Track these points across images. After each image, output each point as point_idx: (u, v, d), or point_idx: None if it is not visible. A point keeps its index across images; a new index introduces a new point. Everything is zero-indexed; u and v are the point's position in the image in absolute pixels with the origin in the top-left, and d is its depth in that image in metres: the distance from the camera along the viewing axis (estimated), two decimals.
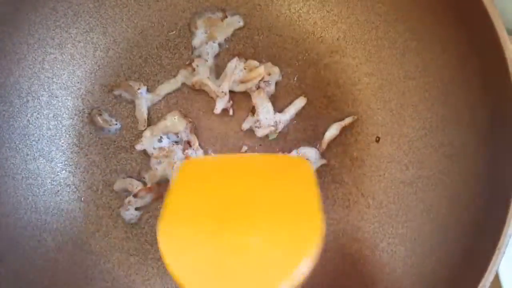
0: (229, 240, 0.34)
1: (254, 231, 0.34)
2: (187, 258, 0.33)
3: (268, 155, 0.43)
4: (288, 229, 0.34)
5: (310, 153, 0.45)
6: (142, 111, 0.45)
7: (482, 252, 0.36)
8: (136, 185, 0.45)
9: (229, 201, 0.36)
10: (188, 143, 0.45)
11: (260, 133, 0.45)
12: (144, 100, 0.45)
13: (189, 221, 0.35)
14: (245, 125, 0.45)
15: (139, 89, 0.45)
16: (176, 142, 0.45)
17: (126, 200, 0.45)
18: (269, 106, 0.45)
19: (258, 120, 0.45)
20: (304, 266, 0.31)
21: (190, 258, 0.33)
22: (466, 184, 0.40)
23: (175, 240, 0.34)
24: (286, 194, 0.37)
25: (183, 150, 0.44)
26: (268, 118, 0.45)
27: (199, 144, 0.45)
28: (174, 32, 0.46)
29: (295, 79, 0.46)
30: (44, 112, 0.45)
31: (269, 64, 0.46)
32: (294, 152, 0.45)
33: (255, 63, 0.45)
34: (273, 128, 0.45)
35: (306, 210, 0.35)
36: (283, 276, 0.31)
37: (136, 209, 0.45)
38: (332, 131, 0.45)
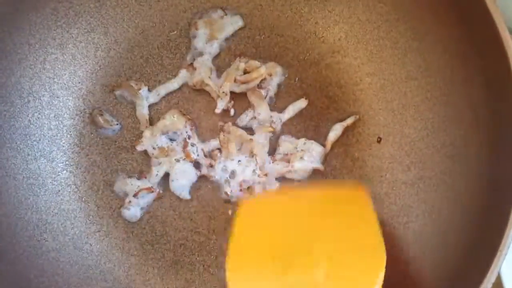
0: (294, 277, 0.34)
1: (318, 267, 0.34)
2: None
3: (324, 187, 0.43)
4: (353, 264, 0.34)
5: (316, 149, 0.45)
6: (143, 111, 0.45)
7: (483, 253, 0.36)
8: (136, 185, 0.45)
9: (290, 238, 0.37)
10: (187, 140, 0.45)
11: (258, 131, 0.45)
12: (145, 100, 0.45)
13: (255, 259, 0.36)
14: (240, 122, 0.45)
15: (140, 89, 0.45)
16: (175, 140, 0.45)
17: (127, 200, 0.45)
18: (265, 105, 0.45)
19: (254, 118, 0.45)
20: None
21: None
22: (468, 185, 0.40)
23: (242, 278, 0.35)
24: (346, 227, 0.37)
25: (183, 148, 0.44)
26: (264, 117, 0.45)
27: (199, 140, 0.45)
28: (175, 32, 0.46)
29: (296, 79, 0.46)
30: (45, 112, 0.45)
31: (272, 63, 0.46)
32: (301, 141, 0.45)
33: (257, 63, 0.45)
34: (270, 129, 0.45)
35: (368, 243, 0.35)
36: None
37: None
38: (335, 132, 0.45)
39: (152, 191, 0.45)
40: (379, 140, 0.45)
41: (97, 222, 0.45)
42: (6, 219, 0.42)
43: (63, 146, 0.46)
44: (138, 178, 0.45)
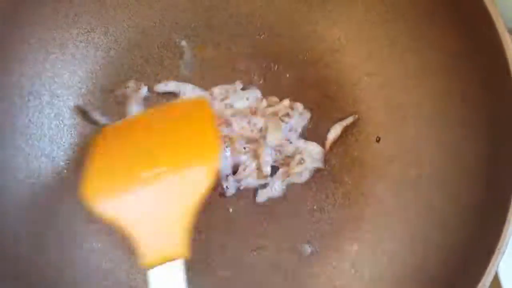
0: (142, 174, 0.38)
1: (161, 160, 0.39)
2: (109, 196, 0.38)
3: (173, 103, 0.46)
4: (189, 149, 0.39)
5: (315, 150, 0.45)
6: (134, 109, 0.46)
7: (481, 252, 0.36)
8: None
9: (138, 146, 0.41)
10: None
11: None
12: (142, 99, 0.45)
13: (106, 172, 0.40)
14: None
15: (139, 88, 0.45)
16: None
17: None
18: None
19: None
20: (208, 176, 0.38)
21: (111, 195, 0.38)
22: (467, 184, 0.40)
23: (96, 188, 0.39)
24: (186, 125, 0.42)
25: None
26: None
27: None
28: (175, 32, 0.46)
29: (296, 79, 0.46)
30: (46, 112, 0.45)
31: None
32: (301, 141, 0.45)
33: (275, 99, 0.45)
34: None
35: (204, 133, 0.40)
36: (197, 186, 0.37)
37: None
38: (335, 132, 0.45)
39: None
40: (378, 140, 0.45)
41: (98, 221, 0.45)
42: (7, 218, 0.42)
43: (64, 145, 0.46)
44: None
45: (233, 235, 0.46)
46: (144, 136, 0.42)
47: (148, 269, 0.36)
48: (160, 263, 0.36)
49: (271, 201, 0.46)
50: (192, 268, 0.45)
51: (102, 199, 0.38)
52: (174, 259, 0.36)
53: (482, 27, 0.37)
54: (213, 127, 0.41)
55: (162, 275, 0.35)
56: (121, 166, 0.40)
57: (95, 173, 0.40)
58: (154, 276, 0.35)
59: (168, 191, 0.37)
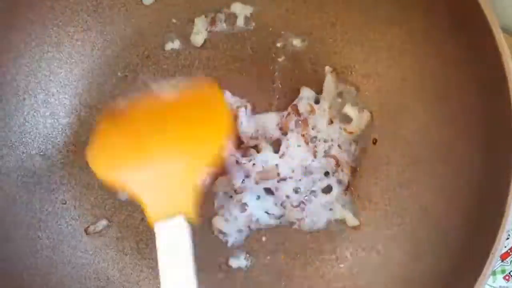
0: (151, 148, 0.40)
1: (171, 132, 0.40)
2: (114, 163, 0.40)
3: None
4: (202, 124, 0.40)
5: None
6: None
7: (478, 254, 0.36)
8: None
9: (149, 128, 0.41)
10: None
11: None
12: None
13: (115, 143, 0.41)
14: None
15: None
16: None
17: None
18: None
19: None
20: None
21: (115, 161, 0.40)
22: (462, 187, 0.40)
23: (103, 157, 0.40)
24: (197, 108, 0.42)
25: None
26: None
27: None
28: (172, 31, 0.46)
29: (293, 80, 0.46)
30: (41, 111, 0.45)
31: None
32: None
33: None
34: None
35: (215, 112, 0.41)
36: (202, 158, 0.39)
37: None
38: None
39: None
40: (374, 142, 0.45)
41: (91, 221, 0.45)
42: (0, 217, 0.42)
43: (58, 145, 0.46)
44: None
45: None
46: (155, 116, 0.42)
47: (155, 224, 0.37)
48: (165, 218, 0.37)
49: None
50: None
51: (110, 168, 0.40)
52: (179, 215, 0.37)
53: (478, 31, 0.37)
54: (224, 107, 0.42)
55: (168, 230, 0.36)
56: (130, 138, 0.41)
57: (105, 146, 0.41)
58: (160, 230, 0.36)
59: (177, 161, 0.39)
